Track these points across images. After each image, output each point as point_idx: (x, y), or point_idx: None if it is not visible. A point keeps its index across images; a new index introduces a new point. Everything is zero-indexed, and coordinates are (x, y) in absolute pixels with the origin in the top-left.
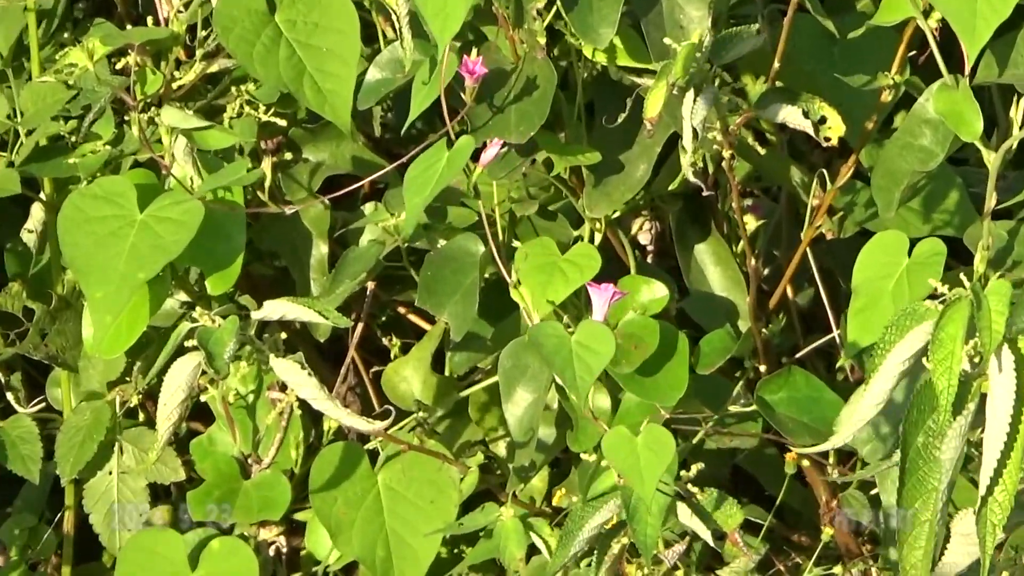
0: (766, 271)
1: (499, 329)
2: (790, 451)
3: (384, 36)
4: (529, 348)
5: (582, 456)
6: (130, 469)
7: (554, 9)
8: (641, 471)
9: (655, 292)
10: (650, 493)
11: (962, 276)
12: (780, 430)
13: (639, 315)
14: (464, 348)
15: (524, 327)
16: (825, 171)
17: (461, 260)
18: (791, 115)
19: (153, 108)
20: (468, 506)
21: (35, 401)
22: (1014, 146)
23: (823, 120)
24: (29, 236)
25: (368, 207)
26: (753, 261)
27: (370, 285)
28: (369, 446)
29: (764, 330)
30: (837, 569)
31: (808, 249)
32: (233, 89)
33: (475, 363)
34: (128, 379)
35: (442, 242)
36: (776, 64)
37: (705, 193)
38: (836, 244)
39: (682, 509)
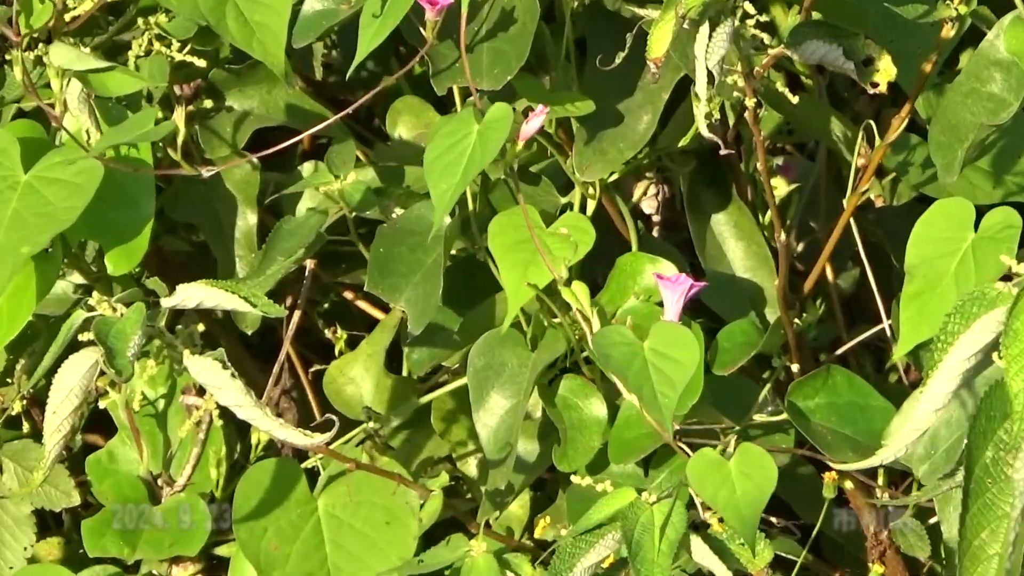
0: (800, 247)
1: (469, 319)
2: (829, 470)
3: None
4: (507, 343)
5: (572, 478)
6: (11, 493)
7: None
8: (739, 506)
9: (662, 273)
10: (752, 533)
11: None
12: (817, 444)
13: (642, 301)
14: (425, 343)
15: (500, 317)
16: (873, 123)
17: (422, 233)
18: (830, 55)
19: (40, 45)
20: (430, 538)
21: None
22: None
23: (870, 61)
24: None
25: (307, 168)
26: (783, 235)
27: (309, 264)
28: (307, 464)
29: (797, 320)
30: None
31: (852, 220)
32: (140, 21)
33: (439, 361)
34: (9, 380)
35: (399, 211)
36: None
37: (724, 151)
38: (887, 214)
39: (696, 543)
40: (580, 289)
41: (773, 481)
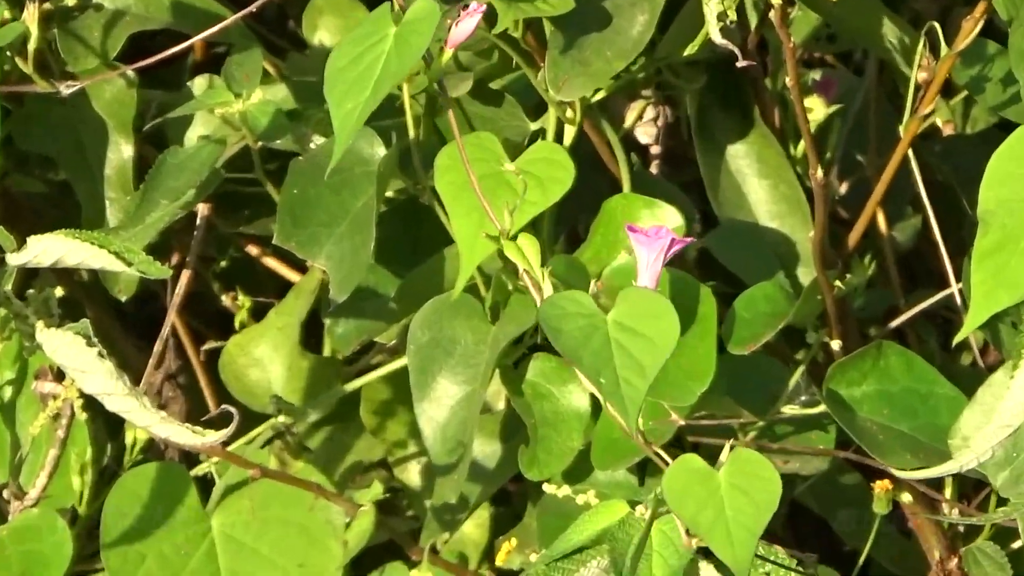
0: (843, 187)
1: (410, 281)
2: (882, 477)
3: None
4: (459, 312)
5: (544, 488)
6: None
7: None
8: (729, 528)
9: (662, 221)
10: (746, 567)
11: None
12: (865, 444)
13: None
14: (353, 312)
15: (450, 279)
16: (938, 26)
17: (349, 171)
18: None
19: None
20: (359, 567)
21: None
22: None
23: None
24: None
25: (198, 84)
26: (821, 172)
27: (202, 209)
28: (199, 470)
29: (839, 283)
30: None
31: (911, 152)
32: None
33: (371, 337)
34: None
35: (319, 140)
36: None
37: (742, 63)
38: (956, 145)
39: (707, 571)
40: (527, 243)
41: (775, 497)
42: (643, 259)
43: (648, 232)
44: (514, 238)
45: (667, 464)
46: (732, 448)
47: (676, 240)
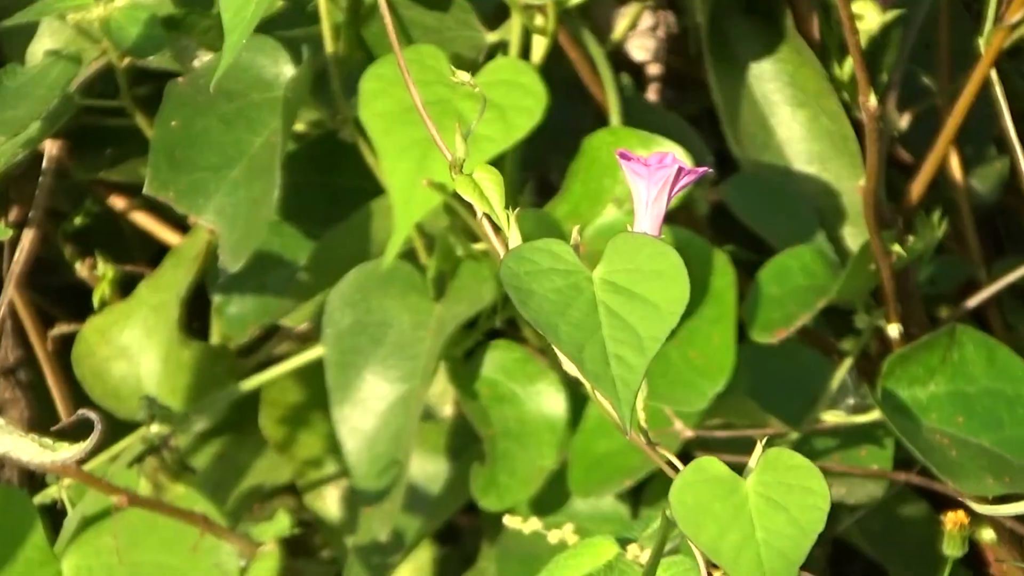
0: (904, 120)
1: (326, 245)
2: (955, 508)
3: None
4: (392, 287)
5: (506, 521)
6: None
7: None
8: (760, 556)
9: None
10: None
11: None
12: (932, 464)
13: (627, 212)
14: (251, 287)
15: (379, 242)
16: None
17: (245, 96)
18: None
19: None
20: None
21: None
22: None
23: None
24: None
25: None
26: (875, 99)
27: (51, 148)
28: (46, 496)
29: (898, 248)
30: None
31: (994, 74)
32: None
33: (274, 319)
34: None
35: (205, 57)
36: None
37: None
38: None
39: None
40: (487, 177)
41: (821, 515)
42: (641, 197)
43: (648, 160)
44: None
45: (677, 471)
46: (764, 449)
47: (686, 170)
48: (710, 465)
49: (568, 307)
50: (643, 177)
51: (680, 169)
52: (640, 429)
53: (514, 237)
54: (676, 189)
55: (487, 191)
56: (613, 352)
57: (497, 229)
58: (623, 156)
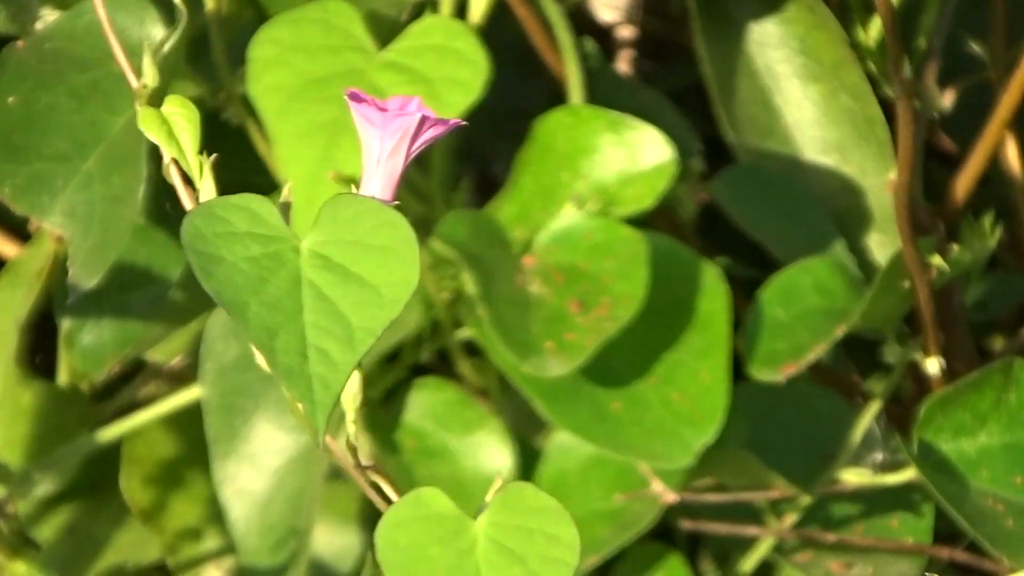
0: (946, 98)
1: None
2: None
3: None
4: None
5: None
6: None
7: None
8: None
9: (639, 152)
10: None
11: None
12: (983, 537)
13: (593, 213)
14: (110, 309)
15: None
16: None
17: (102, 67)
18: None
19: None
20: None
21: None
22: None
23: None
24: None
25: None
26: (909, 71)
27: None
28: None
29: (938, 261)
30: None
31: None
32: None
33: (139, 351)
34: None
35: (51, 17)
36: None
37: None
38: None
39: None
40: (180, 112)
41: (568, 570)
42: (372, 151)
43: (390, 104)
44: None
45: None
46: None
47: (432, 120)
48: (433, 499)
49: (264, 282)
50: (376, 125)
51: (424, 119)
52: (349, 447)
53: (207, 189)
54: (418, 144)
55: (178, 130)
56: (314, 343)
57: (189, 182)
58: (353, 96)
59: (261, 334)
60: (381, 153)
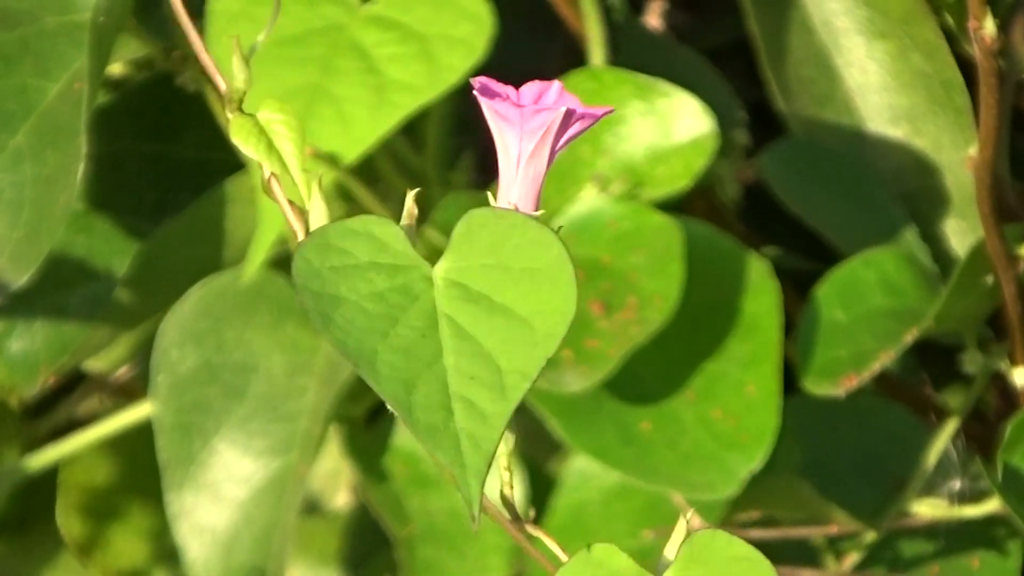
0: None
1: (156, 247)
2: None
3: None
4: (256, 309)
5: None
6: None
7: None
8: None
9: (673, 123)
10: None
11: None
12: None
13: (620, 198)
14: (43, 310)
15: (236, 241)
16: None
17: (33, 20)
18: None
19: None
20: None
21: None
22: None
23: None
24: None
25: None
26: (992, 26)
27: None
28: None
29: None
30: None
31: None
32: None
33: (78, 360)
34: None
35: None
36: None
37: None
38: None
39: None
40: (279, 118)
41: None
42: (510, 152)
43: (523, 95)
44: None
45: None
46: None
47: (580, 112)
48: (608, 557)
49: (395, 323)
50: (513, 123)
51: (571, 112)
52: (506, 504)
53: (317, 213)
54: (564, 140)
55: (279, 140)
56: (459, 393)
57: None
58: (483, 90)
59: (395, 388)
60: (520, 155)
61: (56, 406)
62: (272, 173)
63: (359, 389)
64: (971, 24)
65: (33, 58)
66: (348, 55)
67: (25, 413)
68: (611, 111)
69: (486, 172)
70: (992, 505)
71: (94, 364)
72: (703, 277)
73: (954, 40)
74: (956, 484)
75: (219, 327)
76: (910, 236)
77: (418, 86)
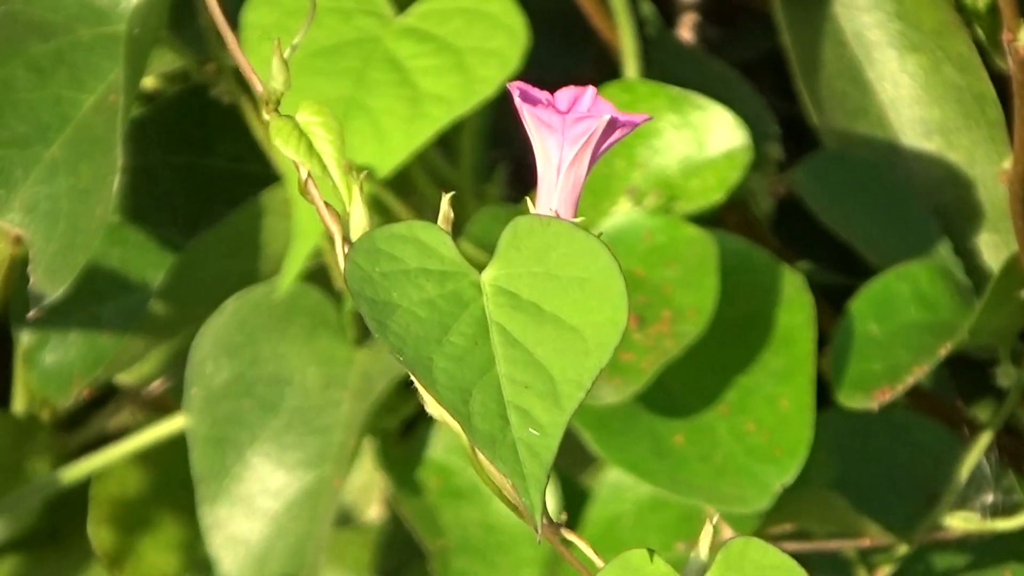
0: None
1: (190, 260)
2: None
3: None
4: (291, 322)
5: None
6: None
7: None
8: None
9: (707, 136)
10: None
11: None
12: None
13: (654, 211)
14: (76, 323)
15: (271, 255)
16: None
17: (68, 33)
18: None
19: None
20: None
21: None
22: None
23: None
24: None
25: None
26: (1023, 44)
27: None
28: None
29: None
30: None
31: None
32: None
33: (111, 374)
34: None
35: None
36: None
37: None
38: None
39: None
40: (319, 120)
41: None
42: (551, 159)
43: (559, 100)
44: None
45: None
46: (727, 543)
47: (619, 119)
48: (642, 563)
49: (447, 330)
50: (555, 130)
51: (614, 120)
52: (544, 513)
53: (357, 214)
54: (604, 147)
55: (318, 142)
56: (513, 402)
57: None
58: (524, 96)
59: (453, 396)
60: (561, 161)
61: (88, 419)
62: (308, 175)
63: (393, 402)
64: (1005, 36)
65: (68, 70)
66: (382, 67)
67: (57, 426)
68: (650, 119)
69: (520, 185)
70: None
71: (126, 378)
72: (737, 290)
73: (987, 53)
74: (989, 497)
75: (253, 340)
76: (943, 250)
77: (452, 98)
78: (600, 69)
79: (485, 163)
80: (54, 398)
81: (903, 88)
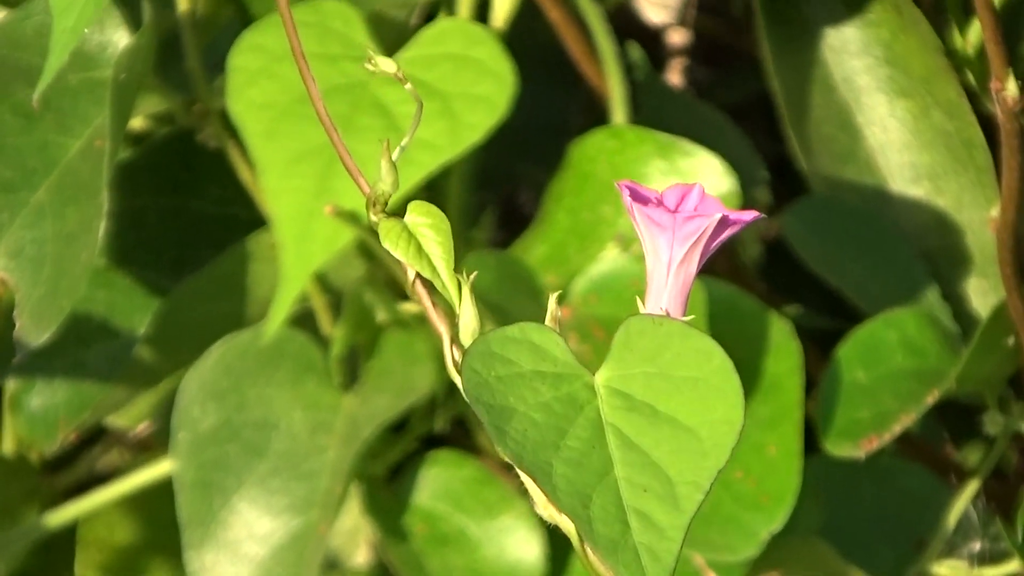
0: None
1: (176, 304)
2: None
3: None
4: (278, 367)
5: None
6: None
7: None
8: None
9: (692, 180)
10: None
11: None
12: None
13: (640, 258)
14: (64, 367)
15: (258, 300)
16: None
17: (56, 79)
18: None
19: None
20: None
21: None
22: None
23: None
24: None
25: None
26: (1015, 85)
27: None
28: None
29: None
30: None
31: None
32: None
33: (98, 417)
34: None
35: None
36: None
37: None
38: None
39: None
40: (427, 221)
41: None
42: (661, 257)
43: (667, 198)
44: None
45: None
46: None
47: (729, 218)
48: None
49: (563, 434)
50: (666, 229)
51: (725, 219)
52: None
53: (467, 315)
54: (714, 245)
55: (427, 244)
56: (633, 505)
57: (435, 295)
58: (634, 195)
59: (573, 501)
60: (671, 260)
61: (76, 460)
62: (417, 275)
63: (379, 447)
64: (993, 85)
65: (55, 115)
66: (370, 112)
67: (45, 467)
68: (760, 216)
69: (506, 230)
70: (1012, 566)
71: (114, 420)
72: (725, 337)
73: (976, 99)
74: (976, 545)
75: (240, 385)
76: (931, 296)
77: (440, 145)
78: (589, 114)
79: (472, 207)
80: (40, 442)
81: (892, 133)
